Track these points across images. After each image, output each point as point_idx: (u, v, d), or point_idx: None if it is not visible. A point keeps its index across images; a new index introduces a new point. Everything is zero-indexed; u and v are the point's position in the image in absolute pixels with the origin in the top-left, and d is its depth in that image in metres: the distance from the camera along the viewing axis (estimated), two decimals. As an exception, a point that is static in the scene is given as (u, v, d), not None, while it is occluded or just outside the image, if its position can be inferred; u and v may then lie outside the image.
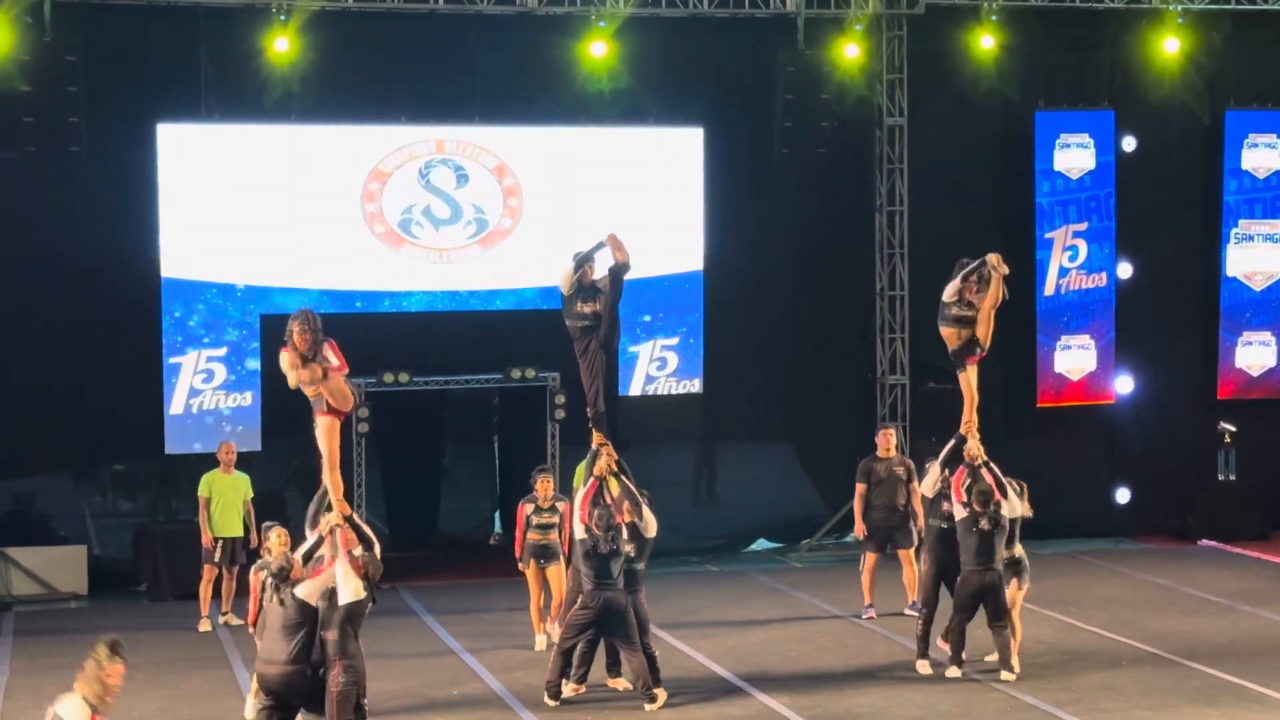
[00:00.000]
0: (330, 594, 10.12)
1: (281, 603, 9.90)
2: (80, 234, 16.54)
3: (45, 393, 16.69)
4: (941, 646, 12.96)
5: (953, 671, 12.63)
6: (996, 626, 12.55)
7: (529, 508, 13.59)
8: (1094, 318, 19.11)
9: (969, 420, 13.00)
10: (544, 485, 13.48)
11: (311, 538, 10.45)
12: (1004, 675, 12.45)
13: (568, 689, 12.20)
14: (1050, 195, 18.94)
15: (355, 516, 10.54)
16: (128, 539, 17.17)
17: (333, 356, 10.54)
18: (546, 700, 12.02)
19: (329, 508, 10.43)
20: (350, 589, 10.16)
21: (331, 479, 10.45)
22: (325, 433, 10.57)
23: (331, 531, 10.28)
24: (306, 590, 9.96)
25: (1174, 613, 15.36)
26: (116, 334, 16.74)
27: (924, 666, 12.81)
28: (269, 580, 10.02)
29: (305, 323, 10.37)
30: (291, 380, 10.52)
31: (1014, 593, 12.79)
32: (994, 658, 12.68)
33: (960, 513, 12.57)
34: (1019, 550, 12.83)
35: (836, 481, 18.97)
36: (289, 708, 10.15)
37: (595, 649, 12.38)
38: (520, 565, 13.77)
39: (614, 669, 12.51)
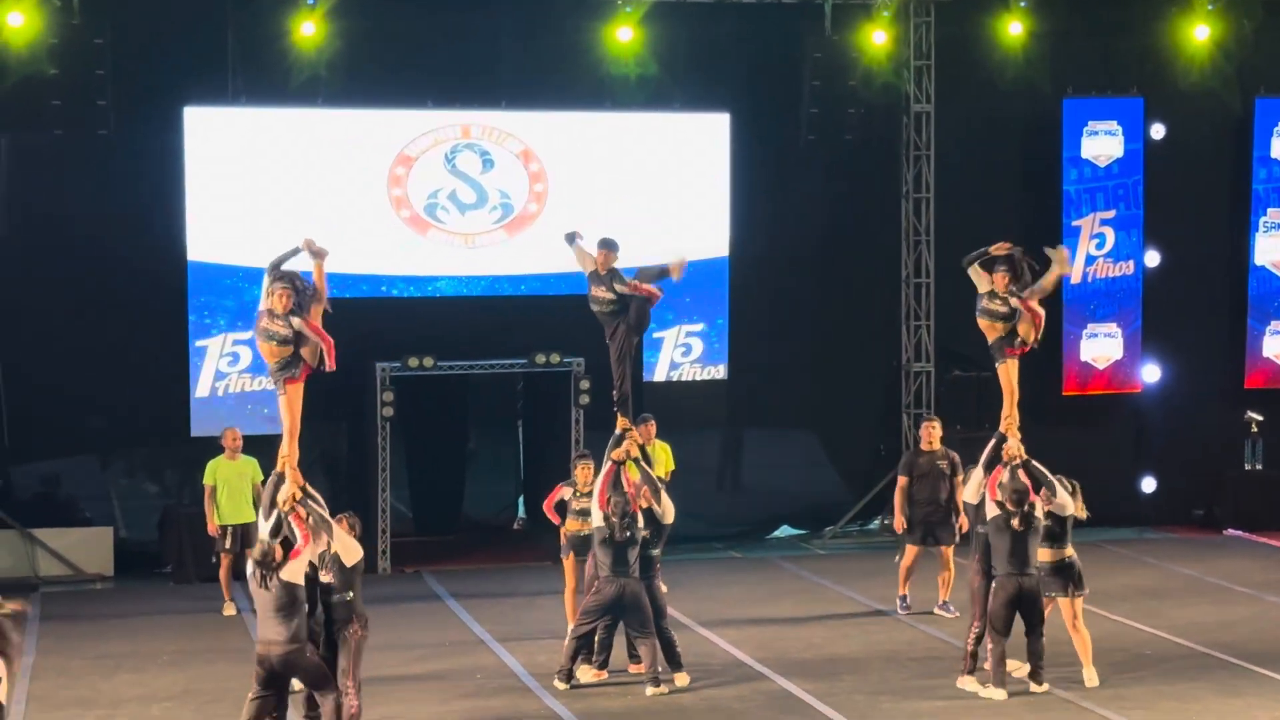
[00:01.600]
0: (336, 561, 10.33)
1: (268, 588, 9.95)
2: (107, 217, 16.60)
3: (72, 375, 16.77)
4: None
5: (997, 693, 11.84)
6: (1032, 635, 11.90)
7: (567, 491, 13.32)
8: (1121, 306, 19.05)
9: (1009, 416, 12.38)
10: (584, 471, 13.19)
11: (270, 518, 10.42)
12: (1034, 687, 11.88)
13: (589, 674, 12.22)
14: (1078, 183, 18.87)
15: (308, 487, 10.56)
16: (153, 521, 17.24)
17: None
18: (556, 684, 12.03)
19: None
20: (352, 551, 10.45)
21: (291, 448, 10.49)
22: (294, 401, 10.66)
23: (294, 508, 10.33)
24: (290, 572, 10.02)
25: (1199, 603, 15.32)
26: (143, 317, 16.81)
27: (967, 682, 12.09)
28: (255, 570, 10.05)
29: (290, 283, 10.43)
30: (265, 339, 10.69)
31: (1069, 603, 12.13)
32: (1023, 671, 12.04)
33: (992, 511, 11.88)
34: (1070, 552, 12.20)
35: (860, 469, 19.00)
36: (282, 689, 10.26)
37: (614, 634, 12.38)
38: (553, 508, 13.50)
39: (636, 655, 12.51)
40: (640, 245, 17.71)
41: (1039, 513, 11.89)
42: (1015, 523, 11.72)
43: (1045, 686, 11.94)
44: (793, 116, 18.34)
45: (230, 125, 16.79)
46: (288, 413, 10.62)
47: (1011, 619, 11.83)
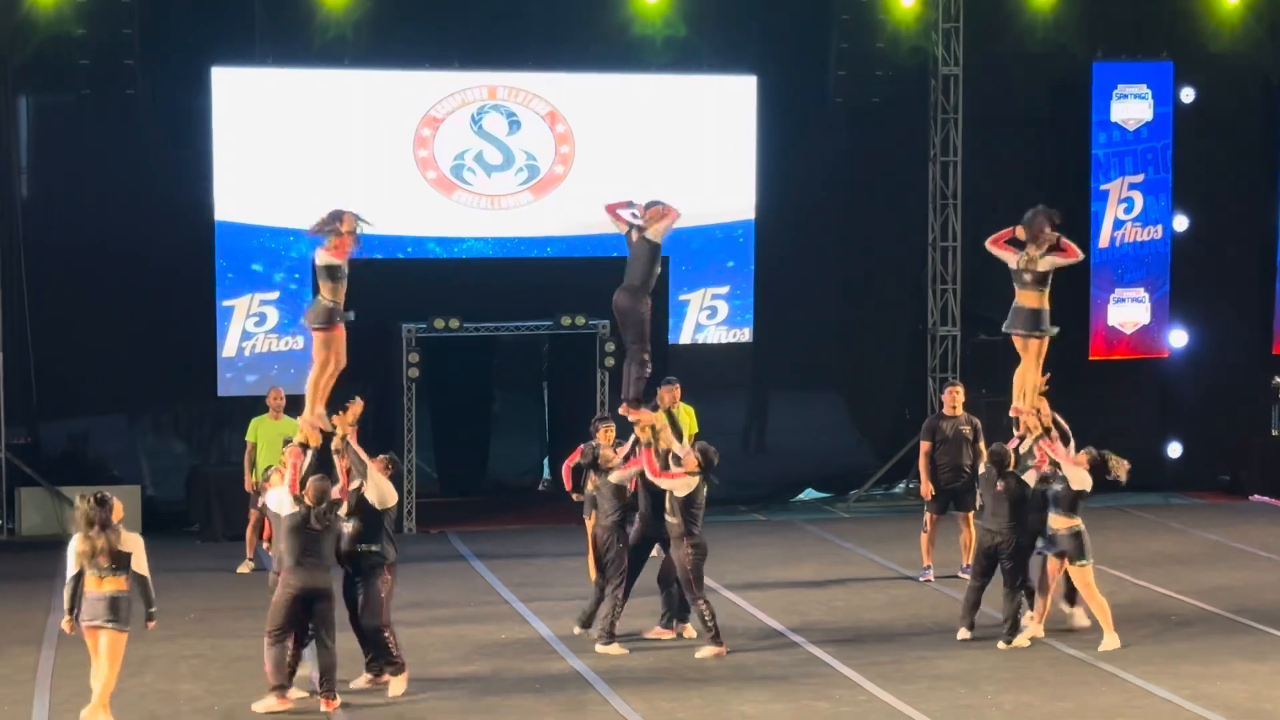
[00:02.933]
0: (365, 505, 10.92)
1: (322, 525, 10.51)
2: (134, 177, 16.65)
3: (99, 334, 16.86)
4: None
5: (962, 633, 12.47)
6: (1006, 591, 12.35)
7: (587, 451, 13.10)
8: (1149, 271, 18.96)
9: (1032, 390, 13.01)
10: (606, 434, 13.04)
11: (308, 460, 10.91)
12: (1000, 644, 12.20)
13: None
14: (1107, 147, 18.76)
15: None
16: (181, 480, 17.31)
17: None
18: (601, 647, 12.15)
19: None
20: (388, 495, 11.02)
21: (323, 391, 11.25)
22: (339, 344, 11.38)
23: (342, 451, 10.96)
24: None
25: (1224, 568, 15.29)
26: (170, 276, 16.85)
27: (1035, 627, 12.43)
28: (311, 511, 10.52)
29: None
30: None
31: (1077, 572, 12.28)
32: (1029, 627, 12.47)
33: (981, 468, 12.56)
34: (1077, 522, 12.25)
35: (885, 433, 18.98)
36: (302, 631, 10.72)
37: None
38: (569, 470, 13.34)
39: (672, 619, 12.56)
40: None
41: (1029, 478, 12.46)
42: (999, 486, 12.29)
43: (1007, 646, 12.24)
44: (820, 79, 18.27)
45: (257, 86, 16.78)
46: (335, 360, 11.37)
47: (989, 570, 12.52)
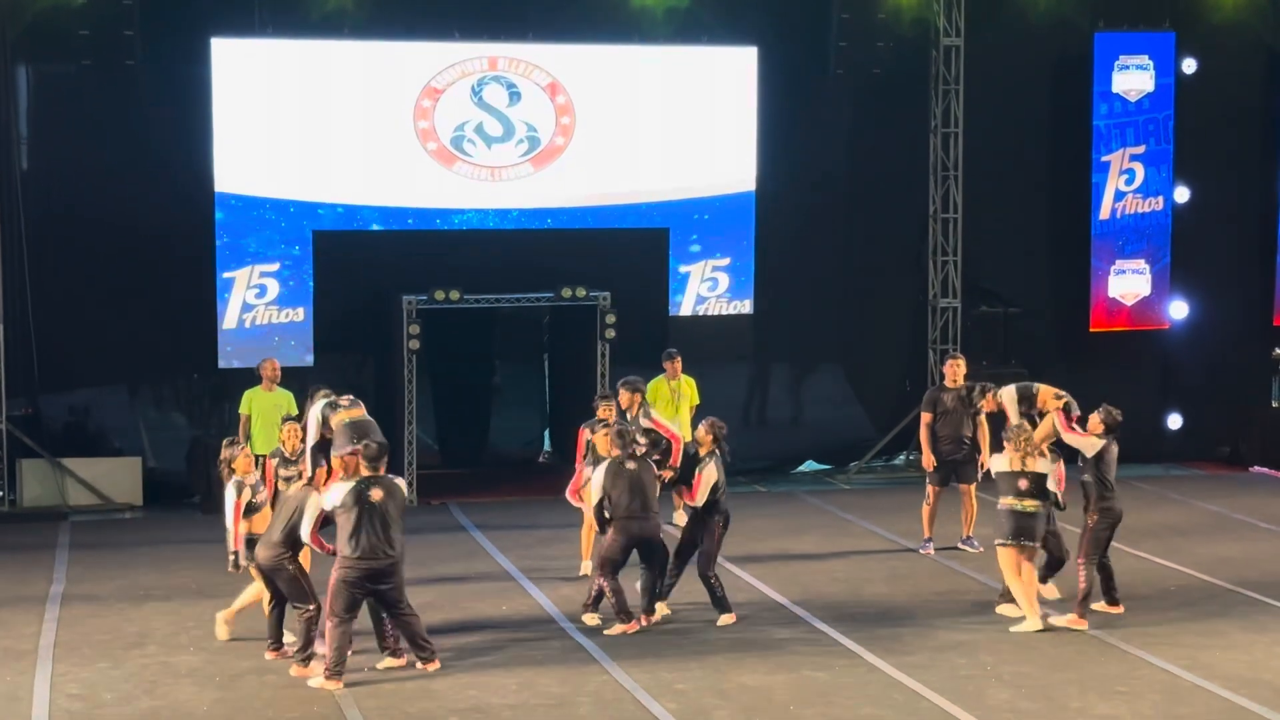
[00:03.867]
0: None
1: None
2: (135, 147, 16.62)
3: (99, 305, 16.87)
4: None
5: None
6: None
7: (587, 432, 13.14)
8: (1149, 242, 18.95)
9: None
10: (607, 411, 13.08)
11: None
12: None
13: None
14: (1108, 118, 18.72)
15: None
16: (182, 452, 17.33)
17: None
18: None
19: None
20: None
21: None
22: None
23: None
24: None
25: (1224, 539, 15.32)
26: (171, 247, 16.84)
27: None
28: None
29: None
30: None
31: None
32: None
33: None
34: (1032, 505, 12.03)
35: (886, 404, 18.98)
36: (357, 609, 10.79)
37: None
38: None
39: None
40: (667, 178, 17.78)
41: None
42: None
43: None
44: (821, 50, 18.22)
45: (257, 57, 16.74)
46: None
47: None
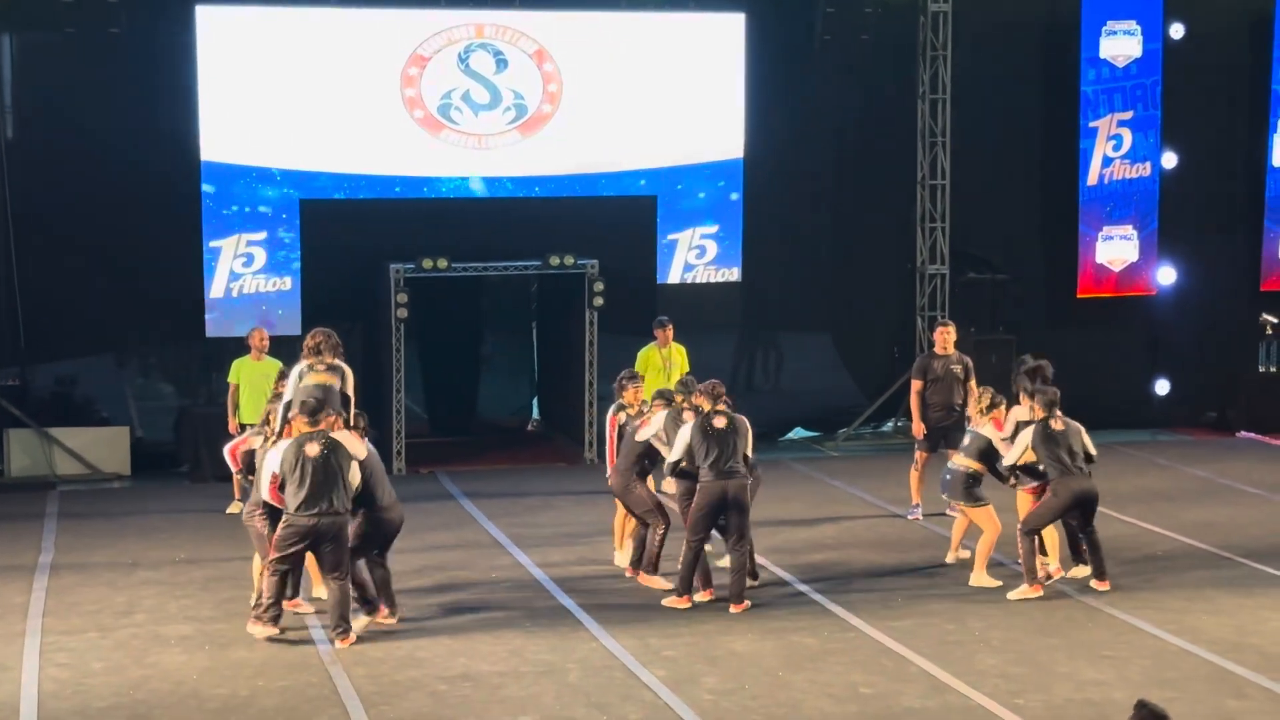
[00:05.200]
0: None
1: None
2: (120, 116, 16.54)
3: (86, 275, 16.84)
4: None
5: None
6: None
7: (621, 417, 12.81)
8: (1137, 208, 18.96)
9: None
10: (634, 394, 12.77)
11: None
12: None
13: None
14: (1095, 83, 18.71)
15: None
16: (170, 421, 17.33)
17: None
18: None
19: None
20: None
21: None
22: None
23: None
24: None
25: (1211, 504, 15.37)
26: (157, 216, 16.79)
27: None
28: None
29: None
30: None
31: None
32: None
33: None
34: (969, 464, 12.43)
35: (874, 371, 19.01)
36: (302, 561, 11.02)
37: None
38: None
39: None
40: (654, 146, 17.75)
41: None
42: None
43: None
44: (808, 16, 18.18)
45: (242, 24, 16.67)
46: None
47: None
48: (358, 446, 11.01)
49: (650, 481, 12.77)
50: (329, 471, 10.67)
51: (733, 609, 11.71)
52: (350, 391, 11.95)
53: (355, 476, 10.88)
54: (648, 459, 12.48)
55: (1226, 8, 18.96)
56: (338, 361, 12.02)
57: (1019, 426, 12.51)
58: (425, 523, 14.46)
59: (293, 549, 10.78)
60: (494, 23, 17.22)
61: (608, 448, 13.03)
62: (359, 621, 11.09)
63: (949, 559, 12.95)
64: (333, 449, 10.74)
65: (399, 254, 16.77)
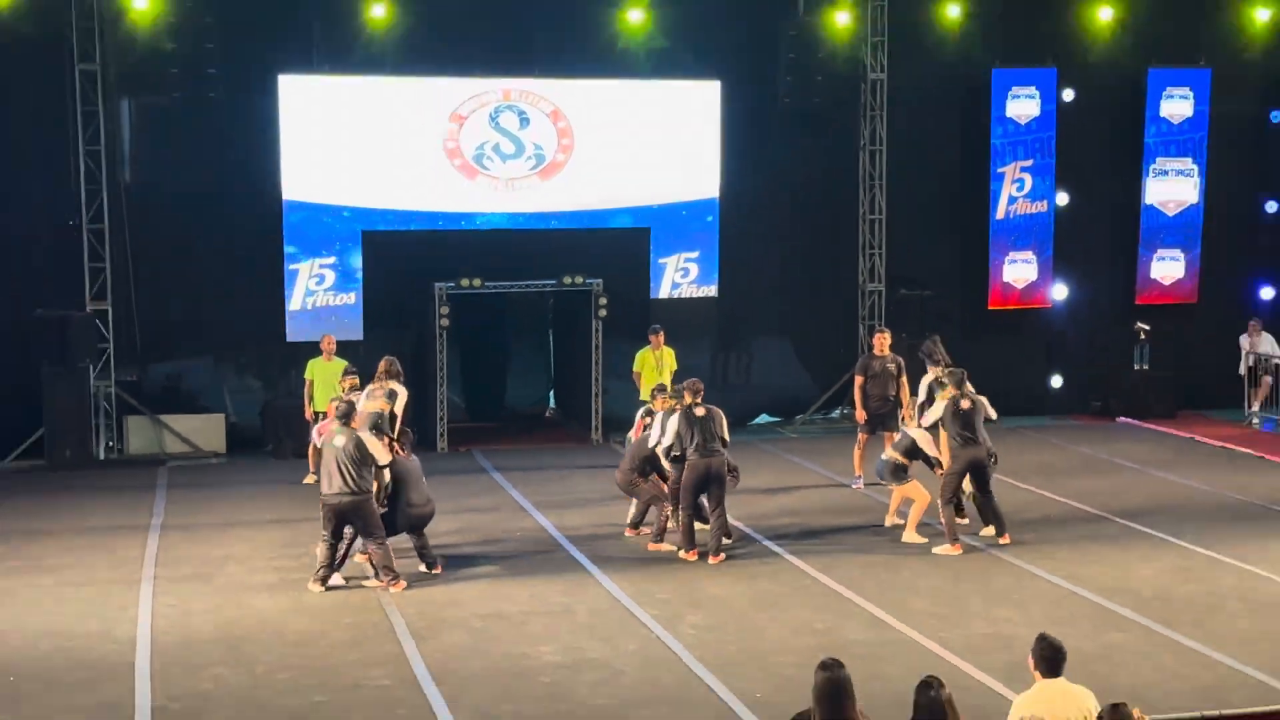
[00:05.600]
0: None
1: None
2: (217, 164, 16.53)
3: (190, 293, 16.84)
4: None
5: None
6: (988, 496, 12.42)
7: (648, 420, 12.64)
8: (1036, 238, 18.96)
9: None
10: (662, 403, 12.48)
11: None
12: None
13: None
14: (1003, 137, 18.71)
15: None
16: (257, 409, 17.29)
17: None
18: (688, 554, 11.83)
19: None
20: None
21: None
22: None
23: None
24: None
25: (1094, 477, 15.39)
26: (247, 245, 16.77)
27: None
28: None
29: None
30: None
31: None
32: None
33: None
34: (894, 456, 12.53)
35: (824, 369, 18.98)
36: (340, 532, 10.87)
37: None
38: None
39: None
40: (647, 187, 17.75)
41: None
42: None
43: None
44: (772, 83, 18.14)
45: (316, 89, 16.66)
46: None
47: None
48: (380, 452, 10.90)
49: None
50: (347, 459, 10.65)
51: (711, 560, 11.72)
52: (399, 410, 12.02)
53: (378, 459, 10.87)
54: (649, 463, 12.36)
55: (1107, 76, 18.94)
56: (394, 386, 12.14)
57: (931, 386, 12.81)
58: (463, 490, 14.48)
59: (331, 522, 10.79)
60: (518, 88, 17.20)
61: (633, 439, 12.86)
62: (371, 582, 11.06)
63: (886, 522, 12.96)
64: (352, 440, 10.72)
65: (442, 274, 16.74)
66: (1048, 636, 6.50)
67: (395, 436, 11.60)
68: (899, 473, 12.51)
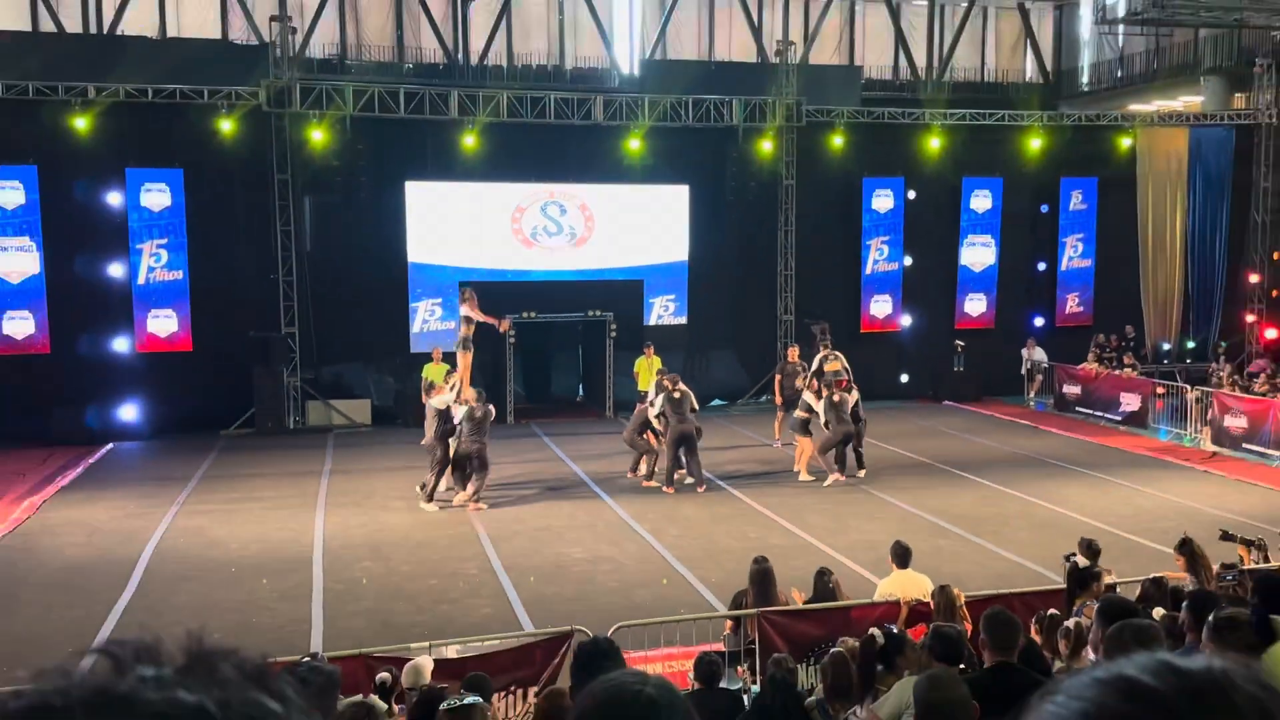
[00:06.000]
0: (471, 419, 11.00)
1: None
2: (365, 236, 16.52)
3: (347, 321, 16.74)
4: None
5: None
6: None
7: (662, 395, 12.12)
8: (890, 285, 18.93)
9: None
10: (672, 381, 12.25)
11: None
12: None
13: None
14: (869, 221, 18.69)
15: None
16: (391, 395, 17.24)
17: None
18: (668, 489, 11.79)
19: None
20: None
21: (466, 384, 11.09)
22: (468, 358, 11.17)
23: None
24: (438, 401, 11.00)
25: (930, 439, 15.38)
26: (385, 291, 16.71)
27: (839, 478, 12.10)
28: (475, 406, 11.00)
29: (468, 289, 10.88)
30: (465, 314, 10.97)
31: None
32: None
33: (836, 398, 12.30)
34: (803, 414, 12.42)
35: (756, 370, 18.92)
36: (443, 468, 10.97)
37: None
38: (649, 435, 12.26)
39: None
40: (642, 253, 17.72)
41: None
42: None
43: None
44: (721, 185, 18.16)
45: (430, 190, 16.67)
46: (466, 365, 11.09)
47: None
48: (443, 397, 10.95)
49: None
50: (445, 420, 10.72)
51: (698, 490, 11.78)
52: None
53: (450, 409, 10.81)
54: (645, 426, 12.41)
55: (936, 182, 18.93)
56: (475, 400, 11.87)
57: (821, 360, 12.93)
58: (522, 448, 14.47)
59: (440, 462, 10.85)
60: (559, 190, 17.21)
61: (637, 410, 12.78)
62: (460, 495, 11.04)
63: (796, 469, 12.93)
64: (449, 409, 10.78)
65: (509, 309, 16.64)
66: (900, 541, 6.56)
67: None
68: (802, 427, 12.52)
